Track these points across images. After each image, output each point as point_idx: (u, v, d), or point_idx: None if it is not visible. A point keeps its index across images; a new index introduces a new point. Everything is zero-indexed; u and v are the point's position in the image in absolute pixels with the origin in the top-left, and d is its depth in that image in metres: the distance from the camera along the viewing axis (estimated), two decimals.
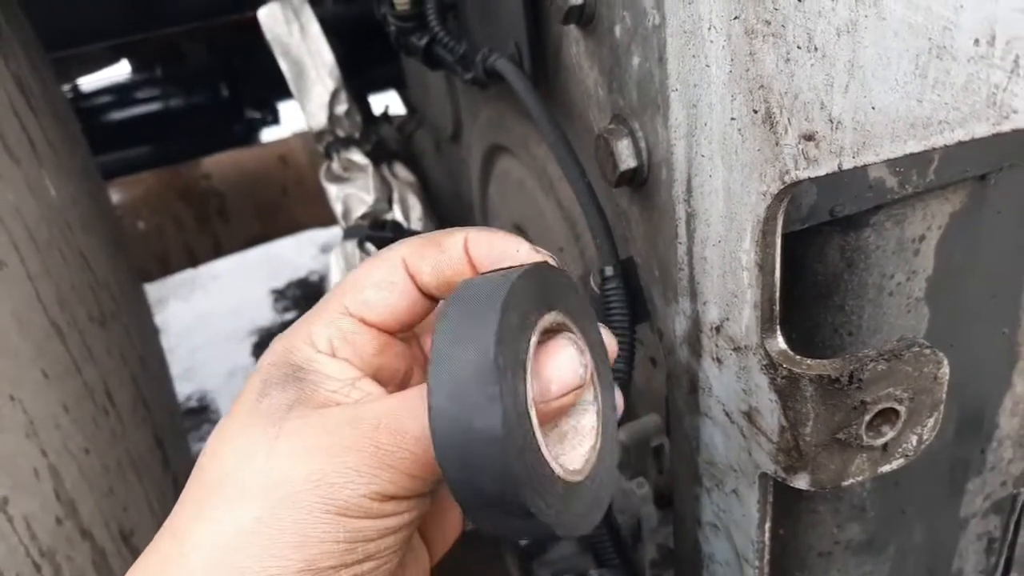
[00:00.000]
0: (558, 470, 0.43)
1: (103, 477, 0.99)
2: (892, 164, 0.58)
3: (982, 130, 0.34)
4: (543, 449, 0.42)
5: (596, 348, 0.50)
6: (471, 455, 0.39)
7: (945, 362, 0.52)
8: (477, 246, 0.53)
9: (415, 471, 0.46)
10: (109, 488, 0.99)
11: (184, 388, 3.25)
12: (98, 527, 0.93)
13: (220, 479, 0.46)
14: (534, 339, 0.44)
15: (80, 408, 0.98)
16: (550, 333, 0.47)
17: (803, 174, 0.45)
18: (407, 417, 0.47)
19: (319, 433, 0.46)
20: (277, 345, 0.52)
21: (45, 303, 0.96)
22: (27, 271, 0.93)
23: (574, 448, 0.48)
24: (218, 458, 0.48)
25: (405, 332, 0.55)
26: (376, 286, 0.52)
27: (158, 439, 1.30)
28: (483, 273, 0.48)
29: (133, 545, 1.01)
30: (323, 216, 2.50)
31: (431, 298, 0.54)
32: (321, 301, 0.54)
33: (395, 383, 0.55)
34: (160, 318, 3.75)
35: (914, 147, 0.37)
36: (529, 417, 0.41)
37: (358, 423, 0.47)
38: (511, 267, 0.46)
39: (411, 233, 1.50)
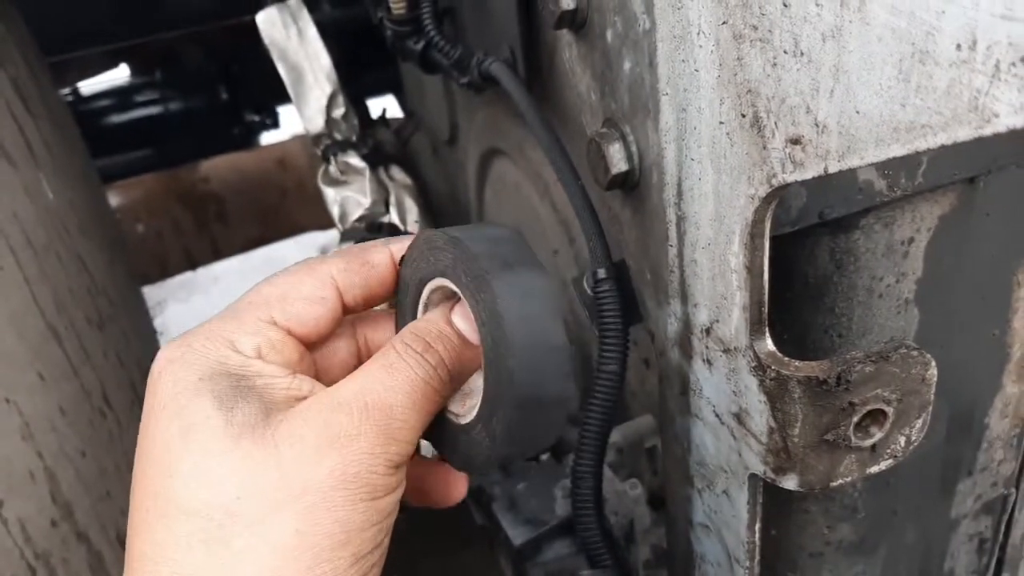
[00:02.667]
0: None
1: (100, 480, 0.99)
2: (881, 167, 0.58)
3: (964, 134, 0.34)
4: None
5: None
6: (545, 363, 0.51)
7: (933, 363, 0.53)
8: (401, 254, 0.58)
9: (409, 436, 0.51)
10: (106, 491, 1.00)
11: None
12: (95, 530, 0.94)
13: (229, 507, 0.45)
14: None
15: (77, 411, 0.98)
16: None
17: (790, 177, 0.45)
18: (384, 391, 0.50)
19: (317, 431, 0.47)
20: (189, 356, 0.50)
21: (42, 306, 0.96)
22: (24, 275, 0.94)
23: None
24: (211, 487, 0.46)
25: (316, 346, 0.57)
26: (307, 300, 0.55)
27: None
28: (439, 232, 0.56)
29: None
30: (322, 219, 2.51)
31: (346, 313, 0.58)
32: (235, 309, 0.54)
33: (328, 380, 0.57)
34: (159, 320, 3.75)
35: (898, 151, 0.38)
36: None
37: (347, 409, 0.49)
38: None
39: (407, 235, 1.50)
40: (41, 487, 0.86)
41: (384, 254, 0.58)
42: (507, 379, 0.51)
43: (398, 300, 0.61)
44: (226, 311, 0.54)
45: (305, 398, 0.51)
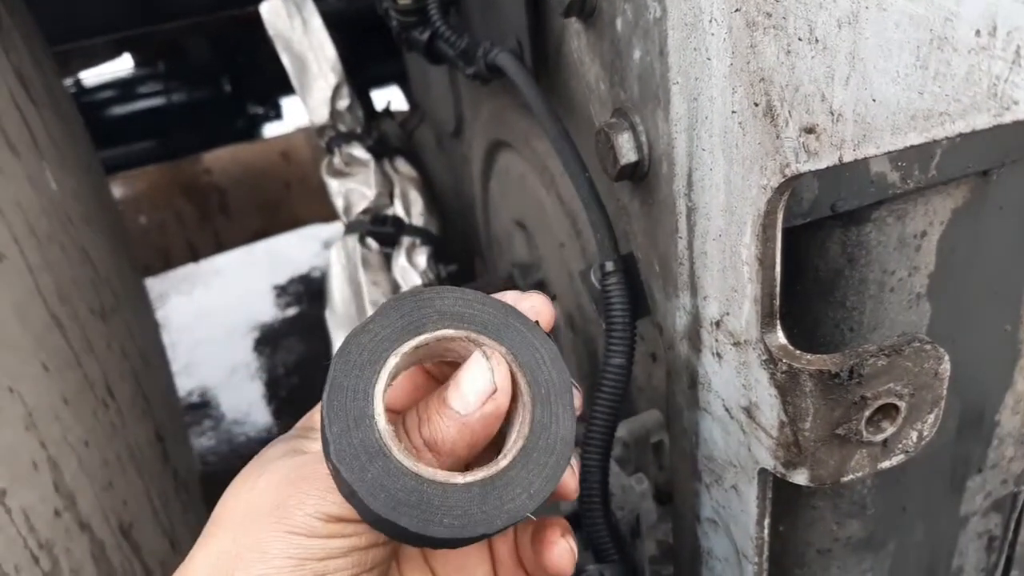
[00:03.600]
0: (427, 474, 0.49)
1: (103, 470, 0.99)
2: (894, 159, 0.57)
3: (983, 122, 0.34)
4: (403, 463, 0.49)
5: (534, 368, 0.53)
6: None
7: (946, 358, 0.52)
8: None
9: None
10: (108, 481, 0.99)
11: (185, 383, 3.26)
12: (97, 520, 0.93)
13: (220, 513, 0.54)
14: (389, 363, 0.51)
15: (80, 401, 0.98)
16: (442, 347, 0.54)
17: (804, 167, 0.44)
18: None
19: (287, 469, 0.53)
20: (279, 442, 0.58)
21: (45, 296, 0.96)
22: (27, 264, 0.93)
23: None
24: (222, 501, 0.55)
25: None
26: None
27: (158, 433, 1.30)
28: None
29: (132, 538, 1.01)
30: (325, 211, 2.50)
31: None
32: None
33: None
34: (161, 313, 3.75)
35: (915, 139, 0.37)
36: (383, 444, 0.49)
37: (317, 458, 0.53)
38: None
39: (412, 228, 1.50)
40: (44, 476, 0.86)
41: None
42: (546, 424, 0.52)
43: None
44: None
45: None
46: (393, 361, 0.51)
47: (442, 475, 0.50)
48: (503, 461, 0.51)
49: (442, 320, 0.53)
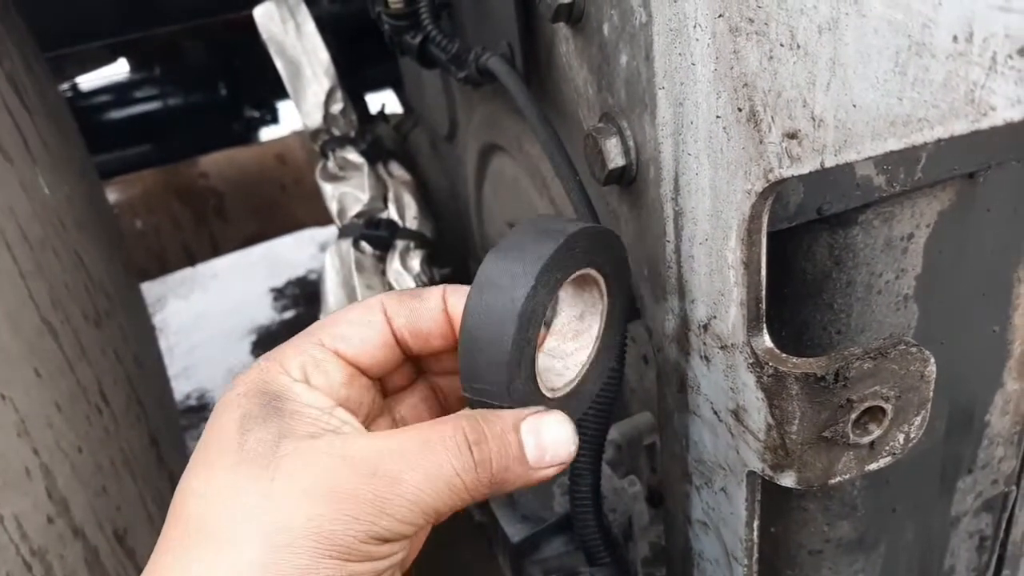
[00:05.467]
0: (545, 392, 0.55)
1: (96, 476, 0.99)
2: (879, 162, 0.58)
3: (961, 127, 0.34)
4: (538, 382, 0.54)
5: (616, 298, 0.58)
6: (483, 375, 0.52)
7: (932, 360, 0.52)
8: (455, 298, 0.56)
9: (409, 518, 0.48)
10: (102, 487, 0.99)
11: (183, 386, 3.25)
12: (91, 526, 0.93)
13: (209, 523, 0.46)
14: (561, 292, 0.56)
15: (73, 407, 0.98)
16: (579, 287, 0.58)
17: (787, 172, 0.45)
18: (403, 465, 0.48)
19: (316, 475, 0.47)
20: (250, 374, 0.53)
21: (38, 302, 0.96)
22: (19, 269, 0.93)
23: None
24: (204, 500, 0.47)
25: (372, 374, 0.57)
26: (351, 322, 0.56)
27: (153, 438, 1.30)
28: (541, 217, 0.56)
29: (127, 544, 1.01)
30: (321, 215, 2.50)
31: (405, 352, 0.57)
32: (296, 337, 0.56)
33: (360, 416, 0.56)
34: (159, 316, 3.75)
35: (894, 145, 0.37)
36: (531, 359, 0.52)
37: (354, 465, 0.48)
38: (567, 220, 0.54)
39: (406, 231, 1.50)
40: (37, 483, 0.86)
41: (435, 292, 0.57)
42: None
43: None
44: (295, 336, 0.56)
45: (328, 433, 0.50)
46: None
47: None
48: (582, 370, 0.58)
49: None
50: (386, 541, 0.48)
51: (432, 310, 0.56)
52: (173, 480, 1.35)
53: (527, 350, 0.51)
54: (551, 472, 0.54)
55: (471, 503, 0.53)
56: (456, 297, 0.56)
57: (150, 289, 3.25)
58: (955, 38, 0.32)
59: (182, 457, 1.56)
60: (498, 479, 0.52)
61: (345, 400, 0.54)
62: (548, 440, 0.53)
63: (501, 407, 0.53)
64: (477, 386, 0.52)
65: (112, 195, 2.46)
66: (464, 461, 0.50)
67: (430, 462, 0.49)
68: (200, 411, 3.19)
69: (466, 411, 0.53)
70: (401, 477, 0.48)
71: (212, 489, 0.47)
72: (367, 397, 0.57)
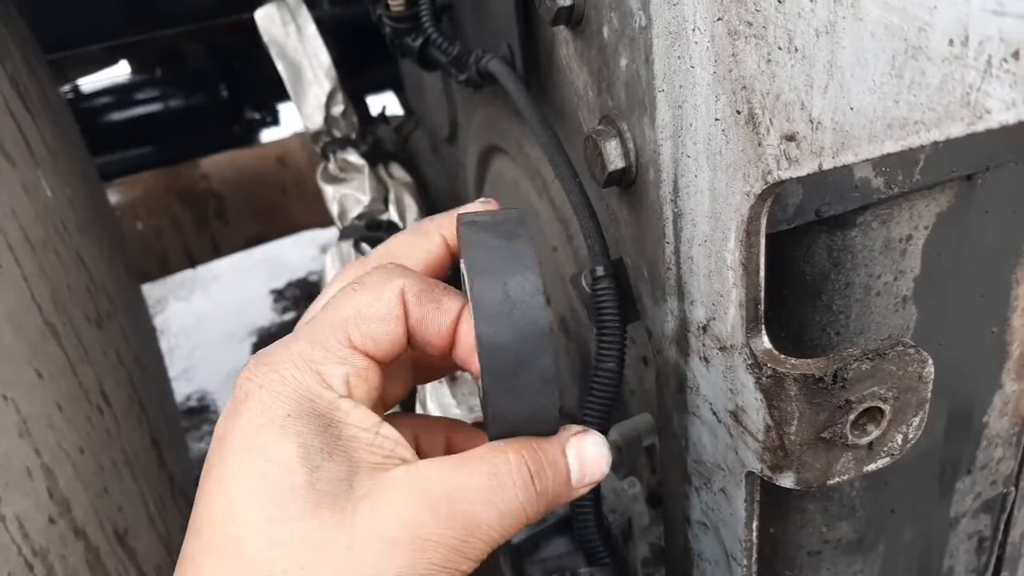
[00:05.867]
0: None
1: (97, 476, 0.99)
2: (877, 164, 0.58)
3: (957, 130, 0.34)
4: None
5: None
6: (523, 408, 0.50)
7: (930, 361, 0.52)
8: (467, 325, 0.53)
9: (483, 556, 0.49)
10: (103, 488, 1.00)
11: (184, 388, 3.26)
12: (92, 526, 0.94)
13: (279, 565, 0.45)
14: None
15: (75, 408, 0.98)
16: None
17: (785, 175, 0.45)
18: (479, 505, 0.48)
19: (398, 521, 0.46)
20: (285, 385, 0.49)
21: (40, 303, 0.96)
22: (22, 271, 0.94)
23: None
24: (280, 549, 0.45)
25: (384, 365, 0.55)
26: (382, 320, 0.51)
27: (154, 439, 1.30)
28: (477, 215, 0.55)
29: (128, 545, 1.02)
30: (322, 216, 2.51)
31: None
32: (316, 329, 0.51)
33: (386, 408, 0.56)
34: (160, 318, 3.76)
35: (891, 147, 0.37)
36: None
37: (433, 508, 0.47)
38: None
39: None
40: (39, 484, 0.86)
41: (454, 305, 0.54)
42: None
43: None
44: (306, 331, 0.52)
45: (389, 460, 0.49)
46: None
47: None
48: None
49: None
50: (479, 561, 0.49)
51: (444, 325, 0.53)
52: (174, 480, 1.36)
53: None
54: (587, 491, 0.55)
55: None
56: (468, 324, 0.53)
57: (151, 290, 3.26)
58: (951, 41, 0.33)
59: (183, 458, 1.56)
60: (551, 505, 0.53)
61: (376, 403, 0.53)
62: (589, 460, 0.54)
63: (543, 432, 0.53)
64: (513, 419, 0.51)
65: (113, 197, 2.46)
66: (529, 495, 0.50)
67: (501, 499, 0.49)
68: (201, 412, 3.20)
69: (515, 440, 0.53)
70: (478, 519, 0.48)
71: (289, 541, 0.45)
72: (397, 388, 0.57)
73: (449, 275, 0.61)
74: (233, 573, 0.45)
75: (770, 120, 0.45)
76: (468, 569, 0.48)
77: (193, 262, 2.66)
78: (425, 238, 0.58)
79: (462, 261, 0.54)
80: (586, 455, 0.54)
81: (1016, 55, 0.30)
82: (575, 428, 0.55)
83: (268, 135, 3.02)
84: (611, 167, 0.62)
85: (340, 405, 0.49)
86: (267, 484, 0.46)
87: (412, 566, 0.45)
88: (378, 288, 0.52)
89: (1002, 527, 0.85)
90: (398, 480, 0.48)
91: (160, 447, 1.32)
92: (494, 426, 0.52)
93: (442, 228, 0.59)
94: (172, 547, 1.13)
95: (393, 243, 0.59)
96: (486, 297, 0.49)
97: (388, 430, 0.50)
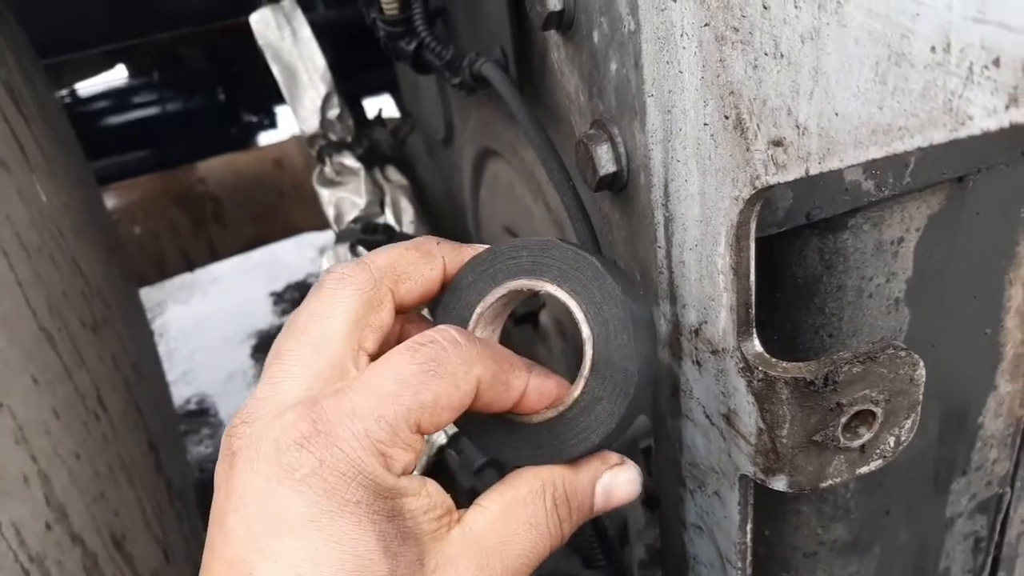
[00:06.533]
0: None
1: (94, 482, 0.99)
2: (868, 167, 0.58)
3: (940, 136, 0.34)
4: None
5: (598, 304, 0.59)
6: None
7: (921, 364, 0.52)
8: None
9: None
10: (100, 493, 1.00)
11: (183, 391, 3.26)
12: (89, 532, 0.94)
13: None
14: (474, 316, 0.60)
15: (71, 413, 0.98)
16: None
17: (773, 179, 0.45)
18: (521, 551, 0.54)
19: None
20: (351, 470, 0.46)
21: (35, 309, 0.96)
22: (16, 277, 0.94)
23: None
24: None
25: None
26: (455, 411, 0.51)
27: (151, 444, 1.30)
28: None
29: (125, 550, 1.02)
30: (320, 219, 2.51)
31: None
32: (384, 405, 0.48)
33: None
34: (159, 321, 3.76)
35: (876, 153, 0.37)
36: None
37: (490, 565, 0.51)
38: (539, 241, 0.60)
39: (403, 236, 1.51)
40: (35, 490, 0.86)
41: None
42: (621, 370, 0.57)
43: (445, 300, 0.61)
44: (372, 402, 0.48)
45: (442, 522, 0.51)
46: (479, 312, 0.59)
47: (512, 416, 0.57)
48: (568, 400, 0.57)
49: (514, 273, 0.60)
50: None
51: (509, 403, 0.56)
52: (171, 485, 1.36)
53: None
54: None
55: None
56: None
57: (149, 294, 3.26)
58: (933, 48, 0.33)
59: (181, 462, 1.56)
60: (576, 509, 0.58)
61: None
62: (616, 496, 0.59)
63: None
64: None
65: (110, 201, 2.46)
66: (556, 538, 0.55)
67: (537, 544, 0.54)
68: (200, 416, 3.20)
69: (549, 477, 0.56)
70: (520, 566, 0.53)
71: None
72: None
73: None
74: None
75: (757, 125, 0.45)
76: None
77: (191, 266, 2.66)
78: (428, 261, 0.58)
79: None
80: (614, 492, 0.59)
81: (997, 62, 0.30)
82: (613, 460, 0.59)
83: (265, 138, 3.02)
84: (602, 171, 0.63)
85: (402, 488, 0.48)
86: (349, 573, 0.45)
87: None
88: (459, 378, 0.50)
89: (998, 527, 0.85)
90: (455, 547, 0.51)
91: (158, 452, 1.33)
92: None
93: (445, 253, 0.60)
94: (169, 551, 1.13)
95: (398, 258, 0.57)
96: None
97: (432, 486, 0.51)
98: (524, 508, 0.54)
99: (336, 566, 0.44)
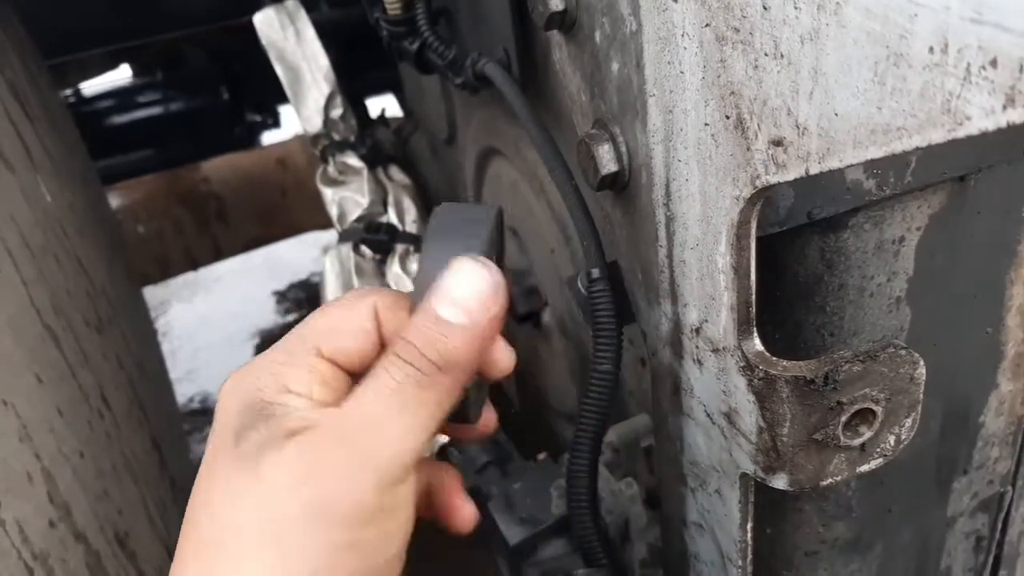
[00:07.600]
0: None
1: (98, 480, 0.99)
2: (869, 166, 0.58)
3: (938, 136, 0.34)
4: None
5: None
6: None
7: (921, 362, 0.53)
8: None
9: (402, 459, 0.51)
10: (104, 491, 1.00)
11: (186, 389, 3.26)
12: (92, 530, 0.94)
13: (219, 534, 0.48)
14: None
15: (75, 412, 0.99)
16: None
17: (773, 179, 0.45)
18: (371, 417, 0.51)
19: (303, 461, 0.48)
20: (242, 384, 0.52)
21: (39, 308, 0.97)
22: (21, 277, 0.94)
23: None
24: (210, 509, 0.49)
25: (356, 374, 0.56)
26: (354, 334, 0.54)
27: (155, 442, 1.31)
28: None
29: (128, 548, 1.02)
30: (323, 218, 2.51)
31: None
32: (288, 342, 0.55)
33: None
34: (162, 320, 3.76)
35: (875, 153, 0.38)
36: None
37: (333, 438, 0.50)
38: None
39: (406, 235, 1.51)
40: (39, 488, 0.86)
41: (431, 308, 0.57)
42: None
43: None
44: (282, 342, 0.55)
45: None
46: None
47: None
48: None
49: None
50: (391, 486, 0.50)
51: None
52: (175, 484, 1.36)
53: None
54: (496, 311, 0.54)
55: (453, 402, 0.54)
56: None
57: (153, 293, 3.26)
58: (931, 49, 0.33)
59: (184, 461, 1.57)
60: (446, 362, 0.52)
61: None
62: (463, 302, 0.53)
63: None
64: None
65: (114, 200, 2.47)
66: (417, 380, 0.52)
67: (390, 404, 0.51)
68: (203, 414, 3.20)
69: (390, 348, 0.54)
70: (377, 427, 0.51)
71: (218, 505, 0.49)
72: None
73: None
74: (193, 544, 0.50)
75: (758, 125, 0.45)
76: (390, 475, 0.50)
77: (194, 265, 2.66)
78: (354, 312, 0.56)
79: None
80: (457, 299, 0.53)
81: (994, 63, 0.30)
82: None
83: (269, 137, 3.02)
84: (604, 171, 0.63)
85: (286, 400, 0.51)
86: (210, 463, 0.51)
87: (319, 491, 0.49)
88: (352, 303, 0.56)
89: (999, 526, 0.85)
90: (308, 432, 0.50)
91: (161, 450, 1.33)
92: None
93: (372, 301, 0.57)
94: (172, 548, 1.14)
95: (320, 320, 0.57)
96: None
97: (327, 412, 0.52)
98: (368, 383, 0.52)
99: (209, 456, 0.52)
